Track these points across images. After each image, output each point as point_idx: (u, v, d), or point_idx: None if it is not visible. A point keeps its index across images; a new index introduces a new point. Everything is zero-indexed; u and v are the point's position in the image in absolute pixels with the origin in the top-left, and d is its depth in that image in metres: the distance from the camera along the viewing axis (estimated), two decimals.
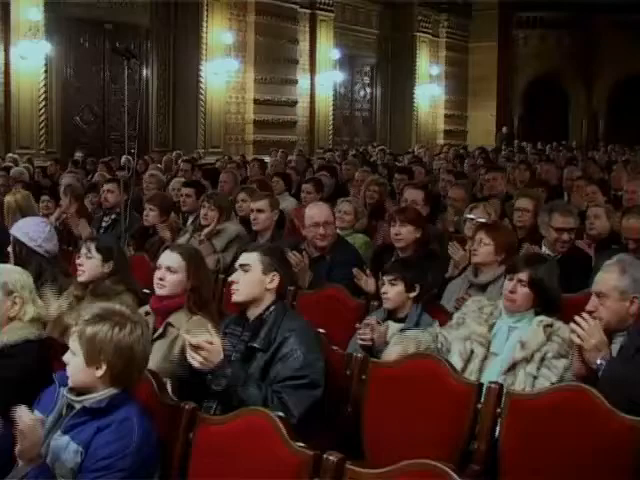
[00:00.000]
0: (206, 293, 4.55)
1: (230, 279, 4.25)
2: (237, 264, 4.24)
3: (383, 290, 4.91)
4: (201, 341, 3.73)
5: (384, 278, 4.93)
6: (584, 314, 3.87)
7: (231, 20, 22.44)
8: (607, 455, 3.47)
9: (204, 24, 21.57)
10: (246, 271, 4.14)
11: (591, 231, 7.03)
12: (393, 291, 4.86)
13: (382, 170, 13.79)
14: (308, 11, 25.44)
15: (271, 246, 4.49)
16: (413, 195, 7.84)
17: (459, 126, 33.55)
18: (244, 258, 4.21)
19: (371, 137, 29.45)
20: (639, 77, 34.65)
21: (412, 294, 4.87)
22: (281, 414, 3.33)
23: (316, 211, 6.35)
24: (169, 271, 4.45)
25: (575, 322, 3.85)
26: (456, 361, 4.27)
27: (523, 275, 4.37)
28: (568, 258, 6.02)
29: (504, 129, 32.62)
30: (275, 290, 4.15)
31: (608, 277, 4.03)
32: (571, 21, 34.84)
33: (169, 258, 4.51)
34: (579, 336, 3.82)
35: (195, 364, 3.76)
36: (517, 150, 24.54)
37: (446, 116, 32.76)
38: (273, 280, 4.13)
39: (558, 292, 4.56)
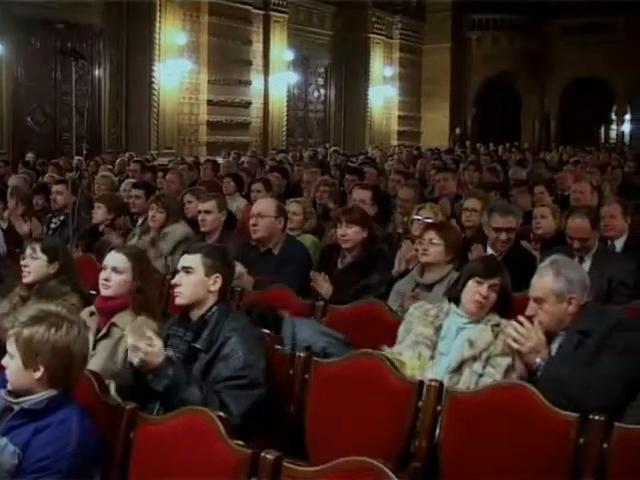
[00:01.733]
0: (151, 294, 4.56)
1: (173, 282, 4.23)
2: (179, 266, 4.23)
3: None
4: (140, 343, 3.74)
5: None
6: (520, 317, 3.96)
7: (184, 21, 22.36)
8: (544, 450, 3.53)
9: (157, 24, 21.46)
10: (188, 273, 4.14)
11: (537, 231, 7.11)
12: None
13: (335, 171, 13.80)
14: (262, 12, 25.43)
15: (214, 247, 4.46)
16: (361, 195, 7.87)
17: (413, 127, 33.75)
18: (186, 260, 4.21)
19: (325, 138, 29.53)
20: (590, 79, 35.10)
21: None
22: (221, 413, 3.35)
23: (257, 204, 6.48)
24: (114, 272, 4.47)
25: (512, 326, 3.91)
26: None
27: (496, 280, 4.35)
28: (512, 257, 6.09)
29: (457, 130, 32.88)
30: (218, 291, 4.15)
31: (543, 281, 4.09)
32: (523, 24, 35.22)
33: (114, 259, 4.52)
34: (516, 340, 3.88)
35: (135, 364, 3.77)
36: (470, 151, 24.70)
37: (400, 117, 32.94)
38: (216, 282, 4.14)
39: (512, 296, 4.57)
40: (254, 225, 6.30)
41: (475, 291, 4.34)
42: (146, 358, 3.76)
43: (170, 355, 3.93)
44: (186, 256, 4.25)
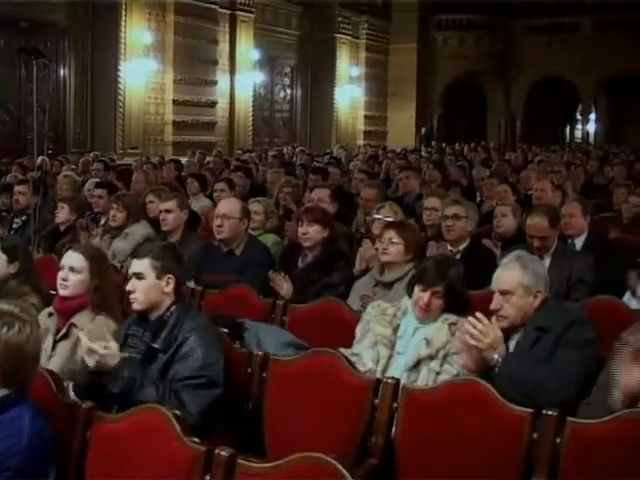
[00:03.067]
0: (109, 293, 4.54)
1: (127, 288, 4.20)
2: (130, 271, 4.21)
3: None
4: (95, 345, 3.75)
5: None
6: (478, 314, 3.95)
7: (150, 20, 22.24)
8: (499, 445, 3.57)
9: (122, 23, 21.34)
10: (140, 279, 4.12)
11: (498, 229, 7.16)
12: None
13: (300, 171, 13.84)
14: (228, 12, 25.37)
15: (161, 247, 4.38)
16: (319, 193, 7.93)
17: (379, 127, 33.82)
18: (136, 266, 4.18)
19: (291, 138, 29.49)
20: (555, 79, 35.36)
21: None
22: (176, 411, 3.36)
23: (221, 204, 6.47)
24: (72, 271, 4.45)
25: (470, 322, 3.93)
26: (370, 368, 4.31)
27: (439, 288, 4.34)
28: (470, 254, 6.14)
29: (423, 130, 33.01)
30: (173, 291, 4.15)
31: (511, 274, 4.12)
32: (489, 24, 35.40)
33: (72, 258, 4.50)
34: (474, 336, 3.90)
35: (90, 366, 3.78)
36: (436, 150, 24.81)
37: (366, 117, 33.00)
38: (169, 283, 4.12)
39: (466, 292, 4.58)
40: (219, 226, 6.27)
41: (418, 297, 4.37)
42: (101, 360, 3.76)
43: (126, 356, 3.93)
44: (135, 261, 4.22)
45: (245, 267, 6.13)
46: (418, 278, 4.46)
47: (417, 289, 4.38)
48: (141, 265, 4.15)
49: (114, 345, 3.83)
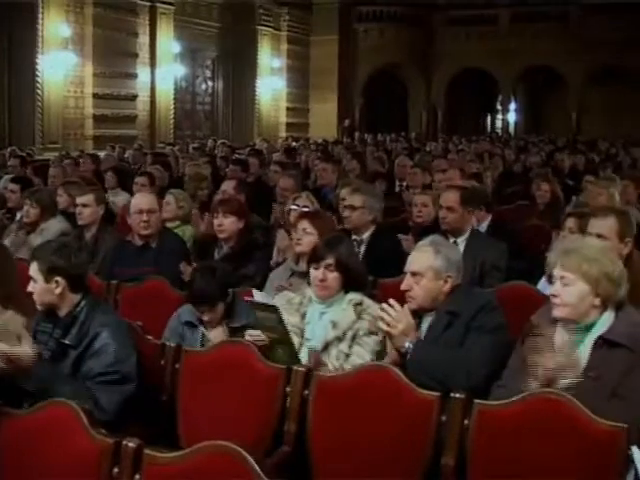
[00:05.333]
0: (12, 286, 4.45)
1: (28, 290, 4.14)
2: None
3: (205, 318, 4.73)
4: (3, 346, 3.69)
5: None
6: (391, 300, 3.98)
7: (68, 12, 21.94)
8: (409, 429, 3.64)
9: (40, 16, 20.99)
10: (34, 282, 4.08)
11: (418, 219, 7.20)
12: (215, 315, 4.72)
13: (221, 163, 13.80)
14: (148, 4, 25.18)
15: (52, 248, 4.20)
16: (225, 185, 7.99)
17: (301, 119, 33.88)
18: (30, 268, 4.12)
19: (213, 131, 29.37)
20: (475, 70, 35.81)
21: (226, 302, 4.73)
22: (85, 405, 3.35)
23: (141, 199, 6.40)
24: None
25: (383, 308, 3.97)
26: None
27: (330, 260, 4.40)
28: (375, 241, 6.21)
29: (346, 121, 33.15)
30: (68, 291, 4.09)
31: (423, 257, 4.16)
32: (410, 16, 35.65)
33: None
34: (387, 323, 3.94)
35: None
36: (358, 142, 24.94)
37: (288, 109, 33.04)
38: (58, 285, 4.06)
39: (362, 268, 4.65)
40: (146, 221, 6.21)
41: (314, 277, 4.42)
42: (13, 359, 3.71)
43: (39, 354, 3.89)
44: (31, 264, 4.16)
45: (161, 259, 6.11)
46: (310, 259, 4.55)
47: (312, 270, 4.45)
48: (32, 269, 4.10)
49: (28, 342, 3.76)
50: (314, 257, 4.49)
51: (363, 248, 6.21)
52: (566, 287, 3.60)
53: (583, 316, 3.60)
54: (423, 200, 7.30)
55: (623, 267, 3.69)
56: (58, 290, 4.07)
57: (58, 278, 4.06)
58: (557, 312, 3.62)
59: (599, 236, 4.80)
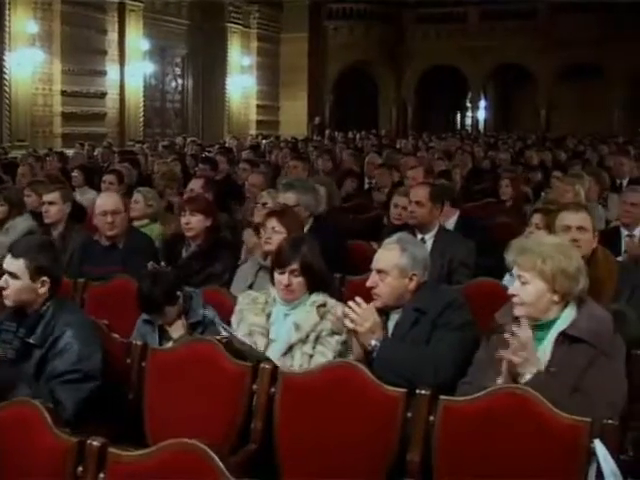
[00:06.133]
0: None
1: (0, 284, 4.10)
2: (5, 267, 4.11)
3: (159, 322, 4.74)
4: None
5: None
6: (357, 298, 3.99)
7: (35, 9, 21.84)
8: (375, 425, 3.65)
9: (7, 12, 20.89)
10: (14, 278, 4.04)
11: (396, 221, 7.17)
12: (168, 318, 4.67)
13: (191, 161, 13.78)
14: (117, 1, 25.09)
15: (39, 247, 4.20)
16: (193, 184, 7.96)
17: (271, 116, 33.90)
18: (10, 264, 4.07)
19: (183, 129, 29.31)
20: (445, 67, 35.96)
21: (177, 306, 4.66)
22: (49, 404, 3.34)
23: (105, 200, 6.31)
24: None
25: (350, 307, 3.98)
26: None
27: (294, 265, 4.36)
28: (315, 236, 6.23)
29: (316, 119, 33.17)
30: (48, 292, 4.08)
31: (389, 255, 4.17)
32: (379, 13, 35.74)
33: None
34: (353, 321, 3.94)
35: None
36: (328, 139, 24.96)
37: (258, 107, 33.07)
38: (44, 285, 4.06)
39: (325, 268, 4.58)
40: (111, 223, 6.14)
41: (278, 281, 4.39)
42: None
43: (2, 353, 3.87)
44: (10, 259, 4.10)
45: (128, 258, 6.08)
46: (274, 262, 4.50)
47: (276, 274, 4.41)
48: (16, 265, 4.05)
49: None
50: (278, 262, 4.44)
51: None
52: (524, 286, 3.64)
53: (543, 313, 3.64)
54: (405, 203, 7.23)
55: (581, 262, 3.73)
56: (42, 290, 4.06)
57: (45, 278, 4.05)
58: (517, 311, 3.65)
59: (580, 228, 4.87)
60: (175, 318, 4.57)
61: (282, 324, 4.38)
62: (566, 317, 3.63)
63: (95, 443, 3.03)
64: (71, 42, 22.70)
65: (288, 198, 6.32)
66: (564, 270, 3.61)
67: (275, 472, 3.78)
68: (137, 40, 25.91)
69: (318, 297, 4.38)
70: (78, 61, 22.97)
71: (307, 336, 4.25)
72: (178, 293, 4.59)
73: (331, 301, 4.37)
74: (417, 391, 3.64)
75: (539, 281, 3.61)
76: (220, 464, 2.78)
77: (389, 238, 4.37)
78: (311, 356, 4.21)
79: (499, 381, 3.56)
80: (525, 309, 3.63)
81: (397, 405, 3.62)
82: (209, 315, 4.69)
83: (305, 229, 6.28)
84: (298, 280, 4.36)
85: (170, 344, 4.49)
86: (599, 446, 3.23)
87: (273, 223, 5.43)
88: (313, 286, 4.41)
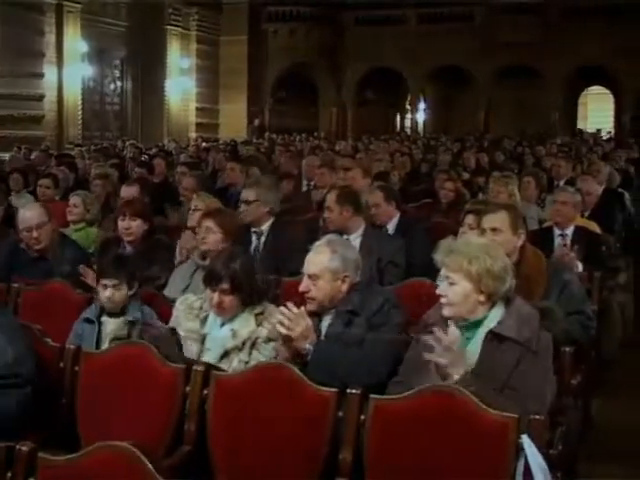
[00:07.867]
0: None
1: None
2: None
3: (107, 294, 4.72)
4: None
5: (104, 282, 4.76)
6: (289, 304, 4.00)
7: None
8: (306, 424, 3.68)
9: None
10: None
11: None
12: (119, 294, 4.74)
13: (130, 164, 13.68)
14: (54, 2, 24.83)
15: None
16: (126, 192, 7.89)
17: (211, 119, 33.83)
18: None
19: (122, 131, 29.12)
20: (385, 70, 36.16)
21: (131, 292, 4.78)
22: None
23: (28, 215, 6.08)
24: None
25: (281, 312, 3.99)
26: None
27: (225, 285, 4.28)
28: (274, 231, 6.37)
29: (256, 121, 33.17)
30: None
31: (319, 258, 4.21)
32: (319, 15, 35.85)
33: None
34: (285, 326, 3.95)
35: None
36: (267, 141, 24.96)
37: (198, 109, 32.99)
38: None
39: (255, 282, 4.51)
40: (37, 238, 5.97)
41: (209, 298, 4.35)
42: None
43: None
44: None
45: (57, 269, 5.95)
46: (205, 279, 4.42)
47: (208, 291, 4.36)
48: None
49: None
50: (209, 280, 4.36)
51: (263, 239, 6.36)
52: (451, 286, 3.70)
53: (470, 313, 3.70)
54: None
55: (507, 262, 3.80)
56: None
57: None
58: (445, 311, 3.72)
59: (494, 229, 4.94)
60: (117, 307, 4.70)
61: (218, 330, 4.37)
62: (494, 316, 3.69)
63: (24, 448, 3.01)
64: (6, 43, 22.43)
65: (249, 194, 6.38)
66: (489, 270, 3.67)
67: (209, 473, 3.79)
68: (75, 42, 25.70)
69: (255, 308, 4.37)
70: (14, 63, 22.72)
71: (243, 343, 4.25)
72: (135, 282, 4.73)
73: (270, 308, 4.37)
74: (348, 390, 3.66)
75: (465, 282, 3.67)
76: (150, 466, 2.78)
77: (318, 241, 4.40)
78: (247, 362, 4.21)
79: (428, 381, 3.60)
80: (453, 309, 3.69)
81: (328, 404, 3.65)
82: (146, 315, 4.72)
83: (265, 226, 6.34)
84: (229, 298, 4.30)
85: (107, 342, 4.56)
86: (527, 441, 3.29)
87: (208, 223, 5.49)
88: (246, 302, 4.36)
